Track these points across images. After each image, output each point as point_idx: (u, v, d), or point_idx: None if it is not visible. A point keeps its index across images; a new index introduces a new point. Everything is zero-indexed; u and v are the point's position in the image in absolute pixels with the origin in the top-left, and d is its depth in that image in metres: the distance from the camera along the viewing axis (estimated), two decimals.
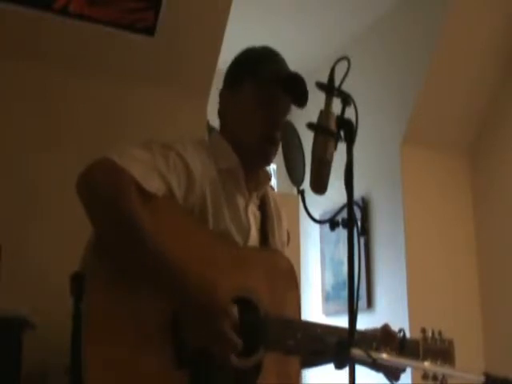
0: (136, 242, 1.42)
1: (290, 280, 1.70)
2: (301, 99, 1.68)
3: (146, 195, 1.46)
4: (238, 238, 1.65)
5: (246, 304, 1.55)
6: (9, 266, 2.37)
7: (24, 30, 2.71)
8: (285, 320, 1.60)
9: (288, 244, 1.91)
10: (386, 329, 1.79)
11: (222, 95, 1.78)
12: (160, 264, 1.41)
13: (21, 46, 2.74)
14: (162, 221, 1.50)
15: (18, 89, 2.74)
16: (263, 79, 1.70)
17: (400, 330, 1.81)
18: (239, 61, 1.80)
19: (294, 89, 1.67)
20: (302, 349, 1.60)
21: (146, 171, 1.48)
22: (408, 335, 1.83)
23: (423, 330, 1.89)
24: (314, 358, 1.75)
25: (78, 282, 1.41)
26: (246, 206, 1.71)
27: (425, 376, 1.70)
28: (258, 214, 1.76)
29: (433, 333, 1.90)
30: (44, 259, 2.56)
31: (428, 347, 1.87)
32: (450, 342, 1.92)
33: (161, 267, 1.41)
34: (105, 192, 1.43)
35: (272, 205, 1.82)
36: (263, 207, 1.79)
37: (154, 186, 1.48)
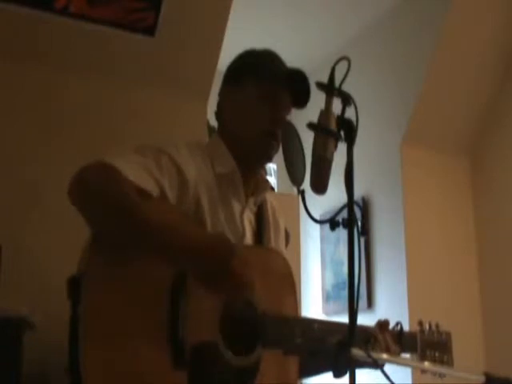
0: (138, 222, 1.40)
1: (288, 281, 1.70)
2: (302, 95, 1.67)
3: (140, 195, 1.45)
4: None
5: (243, 303, 1.55)
6: (9, 266, 2.37)
7: (24, 30, 2.71)
8: (283, 318, 1.60)
9: (287, 245, 1.90)
10: (383, 325, 1.79)
11: (221, 93, 1.78)
12: (170, 232, 1.41)
13: (21, 46, 2.74)
14: None
15: (17, 89, 2.74)
16: (264, 76, 1.70)
17: (397, 323, 1.81)
18: (240, 60, 1.80)
19: (297, 85, 1.67)
20: (301, 347, 1.60)
21: (140, 173, 1.47)
22: None
23: (420, 323, 1.89)
24: (313, 364, 1.73)
25: (74, 285, 1.41)
26: (242, 212, 1.70)
27: (423, 370, 1.71)
28: (253, 220, 1.75)
29: (430, 325, 1.90)
30: (44, 259, 2.55)
31: (425, 340, 1.87)
32: (448, 334, 1.92)
33: (171, 234, 1.41)
34: (98, 187, 1.41)
35: (270, 213, 1.81)
36: (261, 215, 1.77)
37: (148, 185, 1.48)
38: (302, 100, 1.69)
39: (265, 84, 1.70)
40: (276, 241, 1.81)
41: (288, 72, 1.69)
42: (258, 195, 1.76)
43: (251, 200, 1.74)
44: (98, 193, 1.42)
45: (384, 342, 1.73)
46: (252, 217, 1.75)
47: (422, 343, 1.86)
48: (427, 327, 1.89)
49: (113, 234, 1.44)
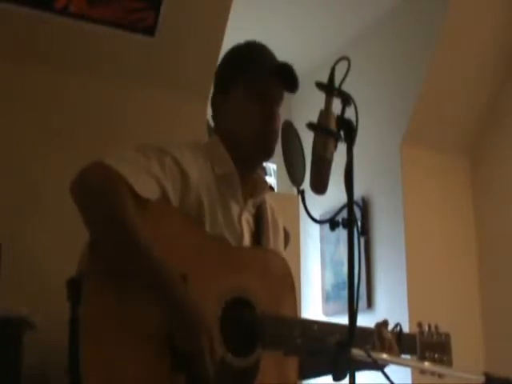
0: (127, 241, 1.42)
1: (287, 282, 1.70)
2: (292, 86, 1.70)
3: (139, 199, 1.46)
4: None
5: (242, 304, 1.55)
6: (9, 266, 2.37)
7: (24, 30, 2.71)
8: (282, 318, 1.60)
9: (287, 245, 1.90)
10: (381, 325, 1.79)
11: (213, 100, 1.79)
12: (149, 270, 1.42)
13: (21, 46, 2.74)
14: (157, 224, 1.50)
15: (18, 89, 2.74)
16: (251, 75, 1.70)
17: (396, 325, 1.81)
18: (225, 63, 1.81)
19: (284, 77, 1.68)
20: (301, 347, 1.60)
21: (141, 175, 1.48)
22: None
23: (419, 325, 1.89)
24: (313, 366, 1.73)
25: (74, 287, 1.41)
26: (240, 213, 1.70)
27: (422, 370, 1.70)
28: (252, 222, 1.75)
29: (429, 327, 1.90)
30: (44, 259, 2.55)
31: (425, 341, 1.87)
32: (447, 335, 1.92)
33: (150, 273, 1.42)
34: (98, 192, 1.43)
35: (269, 215, 1.81)
36: (259, 217, 1.77)
37: (148, 189, 1.48)
38: (291, 89, 1.71)
39: (252, 83, 1.70)
40: (275, 241, 1.80)
41: (273, 68, 1.70)
42: (256, 196, 1.76)
43: (250, 202, 1.74)
44: (97, 198, 1.44)
45: (384, 342, 1.72)
46: (250, 218, 1.74)
47: (422, 344, 1.86)
48: (426, 328, 1.89)
49: (103, 239, 1.46)
